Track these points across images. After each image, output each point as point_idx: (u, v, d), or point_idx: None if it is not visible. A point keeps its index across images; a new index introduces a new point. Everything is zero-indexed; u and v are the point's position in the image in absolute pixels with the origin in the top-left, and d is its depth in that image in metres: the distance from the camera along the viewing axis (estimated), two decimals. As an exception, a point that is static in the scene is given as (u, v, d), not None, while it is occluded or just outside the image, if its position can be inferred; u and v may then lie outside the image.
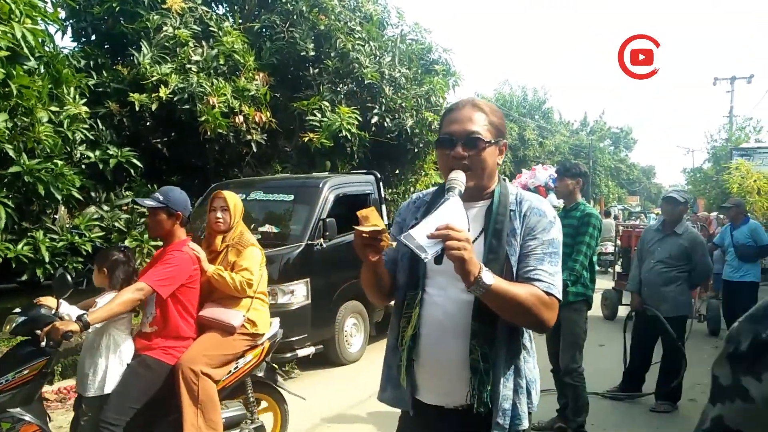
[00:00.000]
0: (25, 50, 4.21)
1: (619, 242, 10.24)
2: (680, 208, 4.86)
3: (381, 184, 7.22)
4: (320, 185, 6.22)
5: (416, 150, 10.07)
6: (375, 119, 9.18)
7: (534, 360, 1.77)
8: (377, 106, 9.34)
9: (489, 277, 1.50)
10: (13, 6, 4.15)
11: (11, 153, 5.39)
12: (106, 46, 8.16)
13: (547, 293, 1.61)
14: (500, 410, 1.62)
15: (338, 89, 9.40)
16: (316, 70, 9.34)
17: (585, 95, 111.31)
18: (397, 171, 11.01)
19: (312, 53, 9.10)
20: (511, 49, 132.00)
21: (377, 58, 9.67)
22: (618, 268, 9.61)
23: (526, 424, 1.67)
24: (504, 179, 1.81)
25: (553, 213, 1.73)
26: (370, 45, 9.55)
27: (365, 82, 9.26)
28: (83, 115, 5.87)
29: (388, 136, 9.53)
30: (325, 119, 8.52)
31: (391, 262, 1.81)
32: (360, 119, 8.67)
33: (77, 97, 5.85)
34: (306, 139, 8.52)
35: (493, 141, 1.70)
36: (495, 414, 1.62)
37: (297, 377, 5.81)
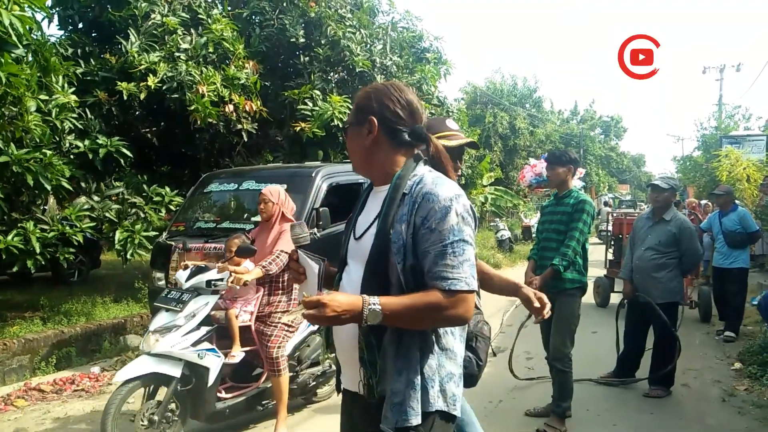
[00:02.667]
0: (13, 38, 4.13)
1: (611, 229, 10.29)
2: (665, 195, 4.86)
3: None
4: (313, 174, 6.18)
5: (408, 139, 10.01)
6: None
7: (445, 358, 1.63)
8: (369, 95, 9.28)
9: (375, 308, 1.46)
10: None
11: (-1, 143, 5.32)
12: (93, 34, 8.03)
13: (451, 290, 1.51)
14: (389, 403, 1.56)
15: (329, 77, 9.33)
16: (307, 58, 9.25)
17: (575, 84, 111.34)
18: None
19: (302, 40, 9.02)
20: (502, 37, 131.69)
21: (368, 46, 9.60)
22: (610, 256, 9.67)
23: (415, 421, 1.55)
24: (418, 163, 1.67)
25: (449, 194, 1.55)
26: (361, 33, 9.48)
27: (356, 71, 9.19)
28: (72, 104, 5.80)
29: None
30: (316, 108, 8.46)
31: None
32: (351, 108, 8.60)
33: (66, 85, 5.77)
34: (297, 128, 8.46)
35: (353, 123, 1.69)
36: (384, 406, 1.57)
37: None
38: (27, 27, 4.55)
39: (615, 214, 11.82)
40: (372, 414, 1.59)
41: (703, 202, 13.43)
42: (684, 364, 5.05)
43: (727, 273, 6.80)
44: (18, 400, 4.69)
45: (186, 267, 3.99)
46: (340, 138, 8.81)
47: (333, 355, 4.27)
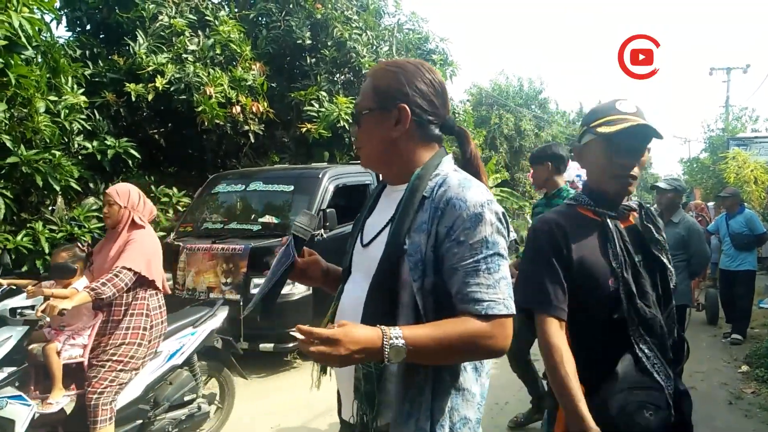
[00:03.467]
0: (23, 39, 4.17)
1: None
2: (668, 196, 4.82)
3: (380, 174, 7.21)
4: (320, 175, 6.21)
5: (414, 140, 10.04)
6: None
7: (461, 399, 1.35)
8: (375, 96, 9.31)
9: (398, 342, 1.17)
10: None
11: (9, 143, 5.36)
12: (101, 36, 8.08)
13: (488, 315, 1.25)
14: None
15: (335, 79, 9.37)
16: (313, 60, 9.29)
17: (580, 85, 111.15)
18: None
19: (309, 42, 9.05)
20: (507, 38, 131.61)
21: (374, 47, 9.63)
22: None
23: None
24: (445, 157, 1.42)
25: (479, 200, 1.29)
26: (367, 34, 9.51)
27: (363, 72, 9.21)
28: (81, 105, 5.84)
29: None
30: (322, 109, 8.49)
31: None
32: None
33: (75, 86, 5.81)
34: (304, 129, 8.49)
35: (374, 108, 1.38)
36: None
37: (299, 367, 5.82)
38: (36, 29, 4.59)
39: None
40: None
41: (710, 204, 13.39)
42: (691, 367, 5.03)
43: (734, 275, 6.78)
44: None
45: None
46: (347, 139, 8.83)
47: (208, 392, 3.88)
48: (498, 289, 1.27)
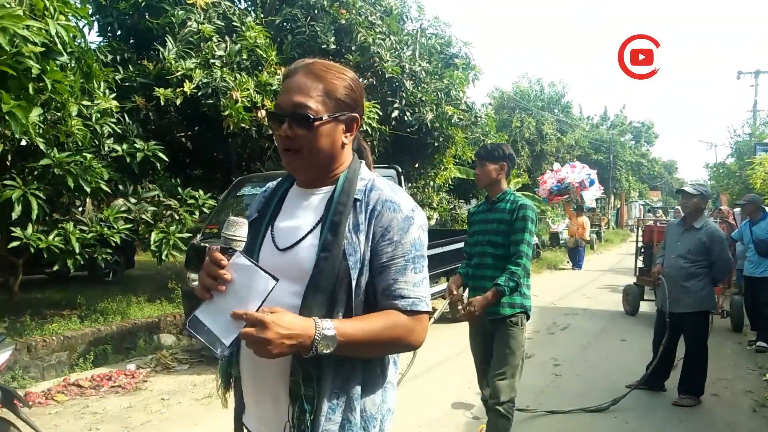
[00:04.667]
0: (59, 46, 4.32)
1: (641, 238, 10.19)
2: (694, 201, 4.79)
3: (402, 177, 7.26)
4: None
5: (436, 144, 10.10)
6: (395, 113, 9.22)
7: (386, 392, 1.42)
8: (397, 100, 9.38)
9: (329, 332, 1.21)
10: (47, 3, 4.25)
11: (42, 146, 5.53)
12: (130, 41, 8.28)
13: (412, 311, 1.33)
14: None
15: (359, 83, 9.45)
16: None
17: (605, 89, 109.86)
18: (417, 165, 11.04)
19: (333, 47, 9.15)
20: (529, 41, 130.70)
21: (398, 52, 9.69)
22: (640, 264, 9.57)
23: None
24: (360, 162, 1.48)
25: (410, 205, 1.39)
26: (390, 39, 9.57)
27: (386, 76, 9.29)
28: (113, 109, 6.00)
29: (408, 130, 9.58)
30: (345, 113, 8.56)
31: None
32: (380, 113, 8.72)
33: (107, 91, 5.97)
34: (327, 133, 8.57)
35: (329, 116, 1.36)
36: None
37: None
38: (71, 35, 4.74)
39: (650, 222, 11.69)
40: None
41: (737, 210, 13.18)
42: (715, 374, 4.99)
43: (758, 282, 6.70)
44: (58, 395, 4.87)
45: None
46: (368, 143, 8.89)
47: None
48: (421, 288, 1.36)
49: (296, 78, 1.37)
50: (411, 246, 1.35)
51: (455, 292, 3.53)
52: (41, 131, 5.41)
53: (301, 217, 1.42)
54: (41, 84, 4.35)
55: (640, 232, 10.46)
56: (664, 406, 4.74)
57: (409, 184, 10.74)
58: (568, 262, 16.73)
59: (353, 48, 9.28)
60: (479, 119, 11.45)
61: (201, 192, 7.72)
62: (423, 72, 9.71)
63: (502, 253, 3.25)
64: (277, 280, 1.22)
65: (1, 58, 3.79)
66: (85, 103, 5.51)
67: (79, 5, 5.56)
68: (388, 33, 9.61)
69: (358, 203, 1.38)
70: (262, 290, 1.21)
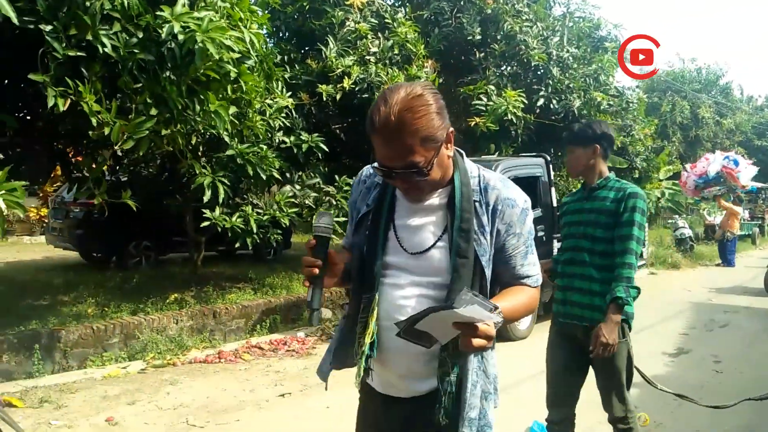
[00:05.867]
0: (251, 51, 4.97)
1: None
2: None
3: (551, 166, 7.30)
4: (493, 168, 6.49)
5: (584, 131, 9.88)
6: (541, 101, 9.20)
7: (493, 350, 1.59)
8: (543, 88, 9.34)
9: (500, 318, 1.32)
10: (242, 14, 4.91)
11: (227, 138, 6.35)
12: (293, 42, 9.06)
13: (536, 286, 1.59)
14: (466, 420, 1.47)
15: (503, 72, 9.53)
16: (482, 54, 9.54)
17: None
18: (560, 153, 10.90)
19: (478, 37, 9.32)
20: (682, 17, 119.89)
21: (545, 38, 9.62)
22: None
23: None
24: (461, 156, 1.57)
25: (522, 196, 1.56)
26: (537, 26, 9.55)
27: (531, 64, 9.28)
28: (290, 106, 6.69)
29: (554, 117, 9.50)
30: (490, 103, 8.72)
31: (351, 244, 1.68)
32: (525, 102, 8.75)
33: (283, 89, 6.68)
34: (472, 123, 8.79)
35: (433, 156, 1.42)
36: (460, 422, 1.47)
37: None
38: (259, 41, 5.41)
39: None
40: (419, 412, 1.52)
41: None
42: None
43: None
44: (245, 355, 5.65)
45: None
46: (512, 132, 8.98)
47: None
48: (538, 266, 1.61)
49: (387, 140, 1.38)
50: (528, 233, 1.56)
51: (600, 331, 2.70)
52: (229, 126, 6.22)
53: (423, 219, 1.52)
54: (237, 85, 5.04)
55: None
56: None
57: (554, 173, 10.63)
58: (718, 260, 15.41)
59: (499, 37, 9.38)
60: (630, 104, 11.02)
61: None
62: (570, 58, 9.57)
63: (602, 249, 2.73)
64: (495, 307, 1.31)
65: (206, 64, 4.48)
66: (268, 101, 6.22)
67: (260, 13, 6.27)
68: (534, 20, 9.59)
69: (477, 204, 1.50)
70: (480, 316, 1.28)
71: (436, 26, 9.71)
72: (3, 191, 3.32)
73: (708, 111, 25.16)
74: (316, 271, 1.43)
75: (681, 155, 23.61)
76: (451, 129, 1.47)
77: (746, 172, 15.08)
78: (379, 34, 8.55)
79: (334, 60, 7.81)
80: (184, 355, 5.52)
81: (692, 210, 21.72)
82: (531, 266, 1.58)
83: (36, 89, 3.86)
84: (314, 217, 1.62)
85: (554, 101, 9.30)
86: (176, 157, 6.33)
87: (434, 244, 1.49)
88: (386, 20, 8.75)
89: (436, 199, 1.53)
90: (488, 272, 1.51)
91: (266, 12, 6.48)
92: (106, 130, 3.84)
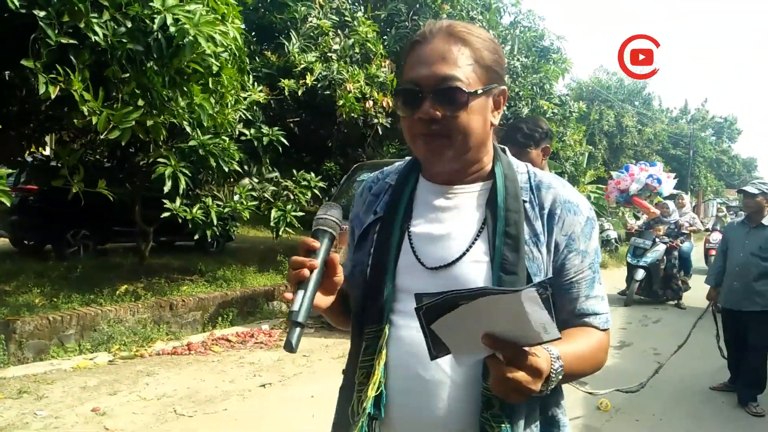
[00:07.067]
0: (232, 46, 4.98)
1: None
2: (756, 200, 4.80)
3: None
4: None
5: (530, 139, 10.42)
6: (492, 106, 9.60)
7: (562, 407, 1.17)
8: (494, 94, 9.73)
9: (559, 365, 0.95)
10: (224, 9, 4.93)
11: (188, 128, 6.28)
12: (252, 34, 9.00)
13: (605, 330, 1.15)
14: None
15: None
16: (436, 58, 9.80)
17: (685, 81, 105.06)
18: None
19: (434, 41, 9.58)
20: (603, 30, 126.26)
21: (496, 46, 10.03)
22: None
23: None
24: (503, 149, 1.23)
25: (587, 203, 1.17)
26: (490, 33, 9.91)
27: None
28: (262, 100, 6.70)
29: (501, 124, 9.91)
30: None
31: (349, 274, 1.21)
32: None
33: (254, 83, 6.67)
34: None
35: (482, 90, 1.09)
36: None
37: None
38: (240, 36, 5.43)
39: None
40: None
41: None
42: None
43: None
44: (214, 347, 5.65)
45: None
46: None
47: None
48: (606, 301, 1.16)
49: (435, 44, 1.09)
50: (595, 254, 1.15)
51: None
52: (191, 116, 6.16)
53: (451, 225, 1.13)
54: (217, 78, 5.04)
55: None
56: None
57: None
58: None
59: (453, 42, 9.67)
60: (573, 114, 11.67)
61: (312, 174, 8.42)
62: (519, 66, 10.04)
63: None
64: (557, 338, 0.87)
65: (190, 57, 4.47)
66: (242, 94, 6.22)
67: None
68: (488, 28, 9.95)
69: (527, 205, 1.12)
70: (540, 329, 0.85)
71: (393, 27, 9.91)
72: (-12, 178, 3.25)
73: (631, 120, 26.82)
74: (307, 273, 1.00)
75: (605, 161, 25.05)
76: (505, 92, 1.18)
77: (667, 186, 15.99)
78: (339, 32, 8.66)
79: (296, 55, 7.86)
80: (150, 347, 5.46)
81: (614, 213, 23.11)
82: (599, 300, 1.14)
83: (20, 75, 3.75)
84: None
85: (504, 108, 9.68)
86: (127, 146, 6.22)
87: (464, 254, 1.09)
88: (346, 18, 8.87)
89: (465, 196, 1.15)
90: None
91: (238, 5, 6.46)
92: (94, 119, 3.78)
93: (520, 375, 0.86)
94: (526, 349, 0.87)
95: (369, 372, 1.07)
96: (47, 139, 7.80)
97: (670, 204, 10.06)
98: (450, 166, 1.12)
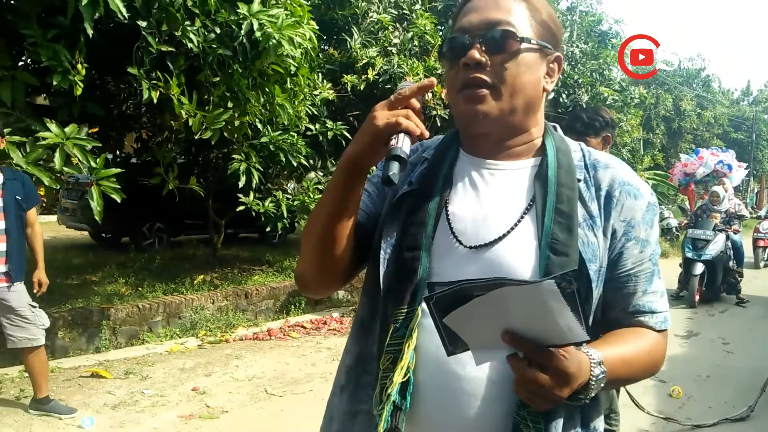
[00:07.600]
0: (308, 47, 5.22)
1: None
2: None
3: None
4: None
5: (589, 126, 10.35)
6: (551, 95, 9.59)
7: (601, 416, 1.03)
8: (554, 82, 9.74)
9: (600, 370, 0.86)
10: (301, 11, 5.16)
11: (260, 126, 6.57)
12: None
13: (662, 331, 1.03)
14: None
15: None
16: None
17: (748, 61, 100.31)
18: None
19: (491, 31, 9.62)
20: (668, 13, 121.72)
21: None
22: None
23: None
24: (554, 126, 1.12)
25: (647, 188, 1.05)
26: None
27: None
28: (331, 97, 6.94)
29: (560, 111, 9.90)
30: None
31: (364, 220, 1.10)
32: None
33: (324, 81, 6.91)
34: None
35: (537, 42, 0.99)
36: None
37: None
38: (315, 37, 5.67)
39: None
40: None
41: None
42: None
43: None
44: (292, 333, 5.96)
45: None
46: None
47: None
48: (665, 299, 1.05)
49: None
50: (656, 244, 1.04)
51: None
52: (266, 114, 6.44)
53: (491, 201, 1.02)
54: (296, 78, 5.28)
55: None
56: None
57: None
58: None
59: (511, 31, 9.69)
60: (633, 99, 11.49)
61: (374, 168, 8.63)
62: (579, 53, 9.95)
63: None
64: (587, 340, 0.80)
65: (272, 58, 4.72)
66: (315, 93, 6.47)
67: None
68: (546, 15, 9.92)
69: (582, 184, 1.00)
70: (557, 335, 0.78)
71: (449, 18, 9.98)
72: (102, 178, 3.57)
73: (690, 103, 25.96)
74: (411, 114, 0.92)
75: (663, 147, 24.37)
76: (561, 60, 1.06)
77: (737, 175, 15.29)
78: (398, 26, 8.79)
79: (358, 51, 8.04)
80: (232, 332, 5.80)
81: (673, 201, 22.50)
82: (657, 297, 1.02)
83: (124, 82, 4.07)
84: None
85: (563, 95, 9.69)
86: (205, 143, 6.56)
87: (508, 232, 0.97)
88: (404, 11, 8.99)
89: (515, 173, 1.03)
90: (596, 293, 0.96)
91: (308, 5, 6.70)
92: (190, 121, 4.08)
93: (544, 378, 0.78)
94: (554, 350, 0.78)
95: (396, 358, 0.93)
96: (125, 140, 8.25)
97: (720, 190, 8.81)
98: (492, 127, 1.00)
